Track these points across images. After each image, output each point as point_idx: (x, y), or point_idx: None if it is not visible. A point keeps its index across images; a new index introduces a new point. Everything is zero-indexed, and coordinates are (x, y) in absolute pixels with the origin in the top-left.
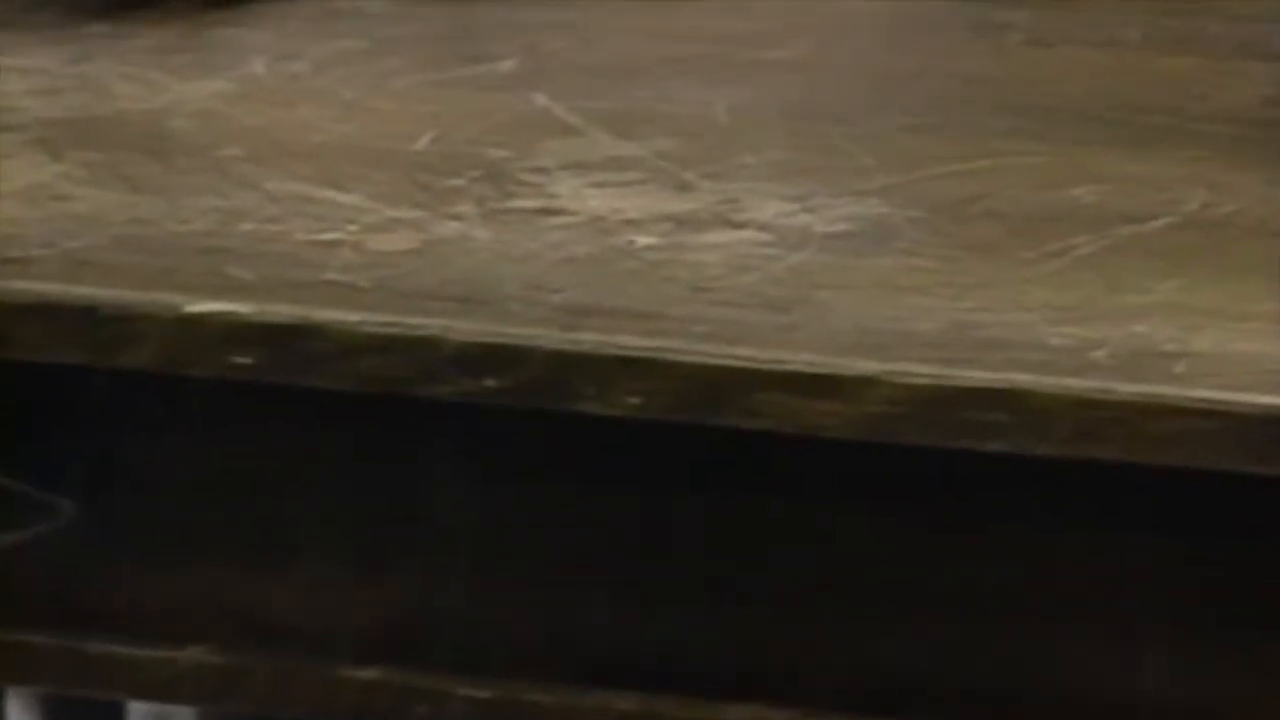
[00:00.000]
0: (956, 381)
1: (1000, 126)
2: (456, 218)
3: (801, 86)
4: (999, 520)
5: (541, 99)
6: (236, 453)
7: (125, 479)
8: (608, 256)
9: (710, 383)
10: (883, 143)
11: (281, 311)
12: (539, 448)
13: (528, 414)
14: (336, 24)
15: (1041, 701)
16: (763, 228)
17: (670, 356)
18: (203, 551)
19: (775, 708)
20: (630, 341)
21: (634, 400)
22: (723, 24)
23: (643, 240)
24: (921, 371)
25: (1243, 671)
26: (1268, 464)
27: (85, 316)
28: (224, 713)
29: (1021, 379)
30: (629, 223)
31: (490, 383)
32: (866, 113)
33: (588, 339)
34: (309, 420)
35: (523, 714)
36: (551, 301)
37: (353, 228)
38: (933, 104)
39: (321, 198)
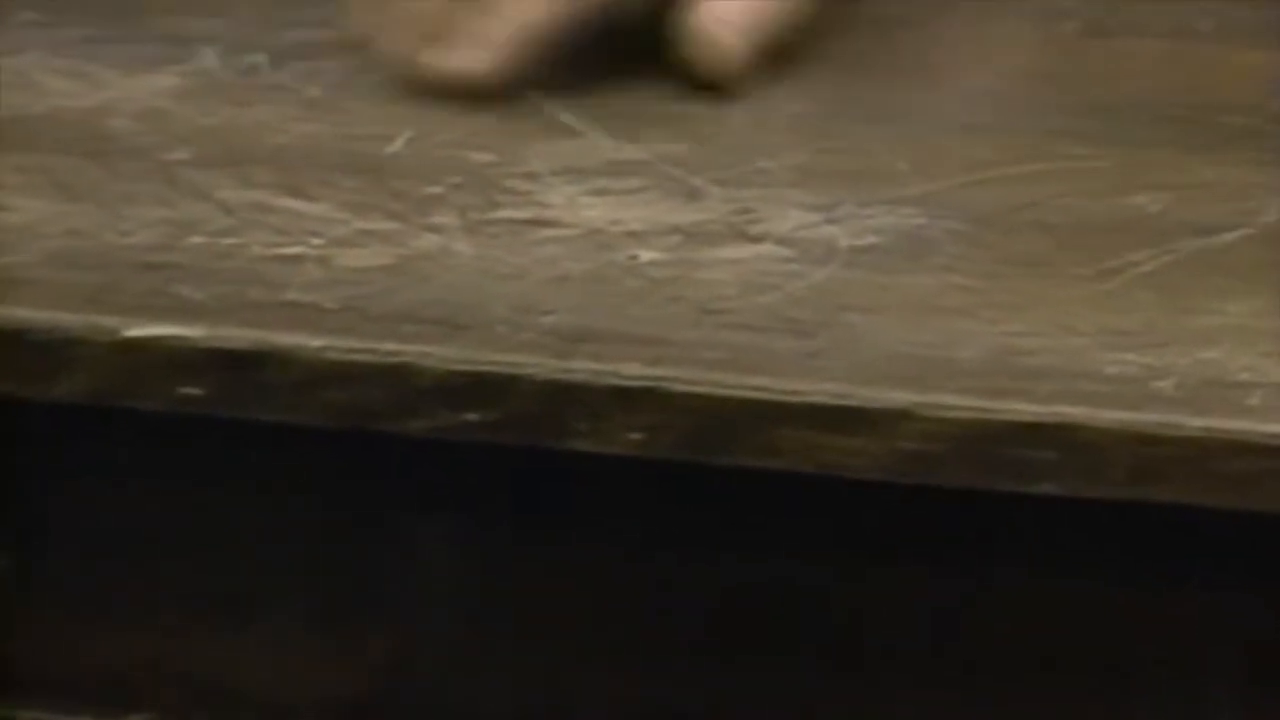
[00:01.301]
0: (1000, 415)
1: (1053, 126)
2: (435, 230)
3: (827, 81)
4: (1049, 571)
5: (532, 95)
6: (184, 497)
7: (60, 528)
8: (606, 274)
9: (721, 417)
10: (919, 145)
11: (236, 336)
12: (527, 491)
13: (515, 452)
14: (298, 11)
15: None
16: (782, 241)
17: (676, 387)
18: (148, 609)
19: None
20: (631, 370)
21: (635, 437)
22: None
23: (646, 255)
24: (961, 404)
25: None
26: None
27: (13, 341)
28: None
29: (1074, 412)
30: (631, 235)
31: (472, 417)
32: (901, 111)
33: (583, 367)
34: (267, 460)
35: None
36: (542, 325)
37: (318, 241)
38: (977, 101)
39: (282, 207)
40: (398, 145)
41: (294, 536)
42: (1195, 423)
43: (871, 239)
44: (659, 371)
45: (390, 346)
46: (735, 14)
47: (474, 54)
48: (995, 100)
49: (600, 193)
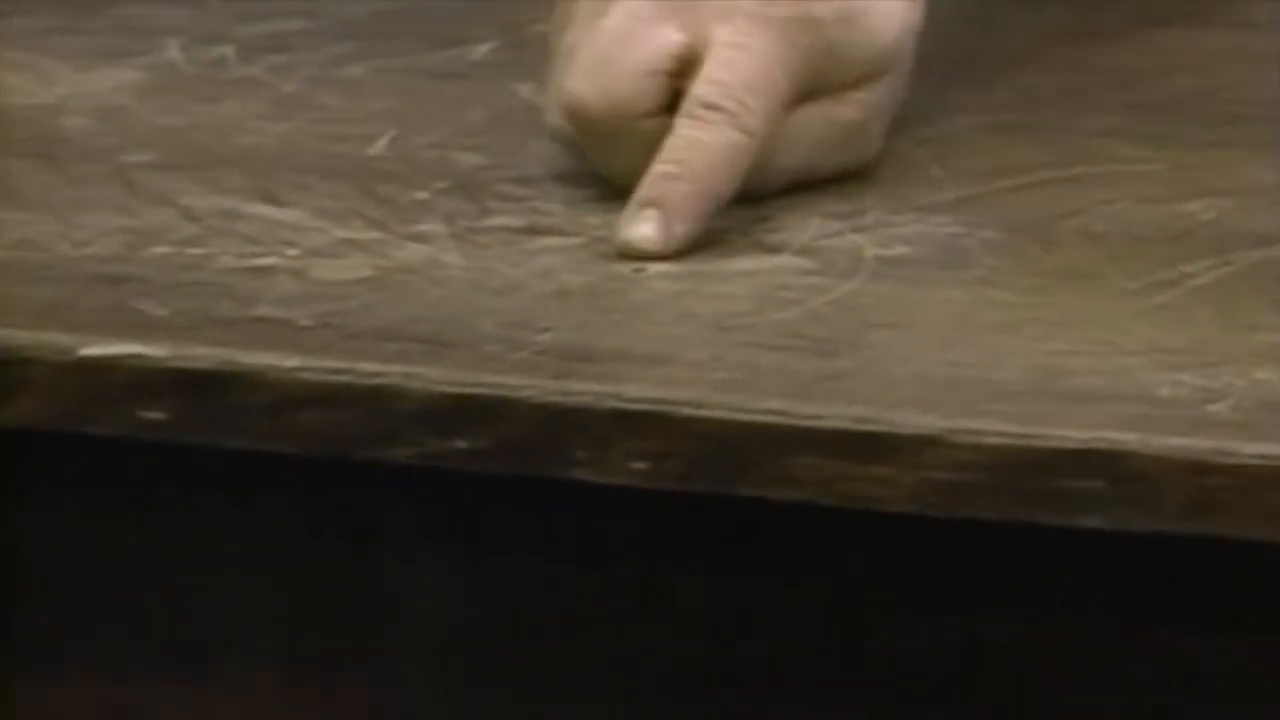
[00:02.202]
0: (1042, 442)
1: (1099, 126)
2: (421, 239)
3: None
4: (1094, 612)
5: (525, 91)
6: (145, 531)
7: (8, 564)
8: (608, 287)
9: (734, 444)
10: (954, 145)
11: (202, 355)
12: (520, 525)
13: (508, 483)
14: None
15: None
16: (802, 251)
17: (684, 411)
18: (105, 654)
19: None
20: (635, 393)
21: (639, 466)
22: None
23: (653, 267)
24: (998, 430)
25: None
26: None
27: None
28: None
29: (1123, 439)
30: None
31: (461, 444)
32: (934, 108)
33: (583, 390)
34: (235, 492)
35: None
36: (538, 343)
37: (292, 252)
38: (1017, 97)
39: (253, 214)
40: (380, 146)
41: (264, 575)
42: (1254, 449)
43: (900, 249)
44: (666, 394)
45: (371, 367)
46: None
47: (659, 228)
48: (1037, 97)
49: (602, 199)
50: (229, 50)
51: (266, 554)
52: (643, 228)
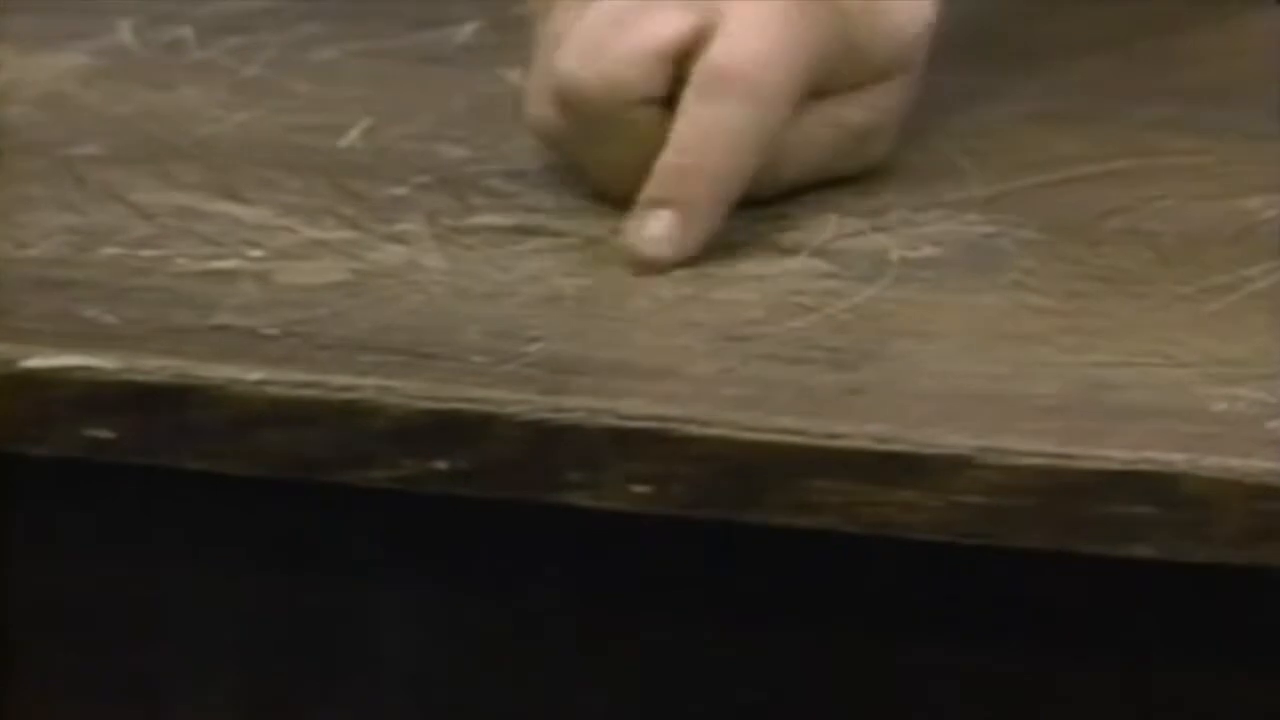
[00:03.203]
0: (1085, 463)
1: (1148, 114)
2: (399, 239)
3: None
4: (1144, 647)
5: (514, 77)
6: (93, 559)
7: None
8: (605, 292)
9: (745, 466)
10: (986, 137)
11: (156, 368)
12: (506, 555)
13: (493, 508)
14: None
15: None
16: (819, 253)
17: (689, 430)
18: (50, 692)
19: None
20: (635, 409)
21: (638, 490)
22: None
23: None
24: (1036, 450)
25: None
26: None
27: None
28: None
29: (1174, 459)
30: None
31: (442, 465)
32: (964, 96)
33: (577, 405)
34: (192, 516)
35: None
36: (527, 354)
37: (256, 253)
38: (1056, 83)
39: (213, 212)
40: (353, 137)
41: (223, 609)
42: None
43: (928, 250)
44: (668, 411)
45: (343, 381)
46: (664, 229)
47: (674, 230)
48: (1079, 83)
49: (597, 195)
50: (186, 31)
51: (226, 586)
52: (654, 229)
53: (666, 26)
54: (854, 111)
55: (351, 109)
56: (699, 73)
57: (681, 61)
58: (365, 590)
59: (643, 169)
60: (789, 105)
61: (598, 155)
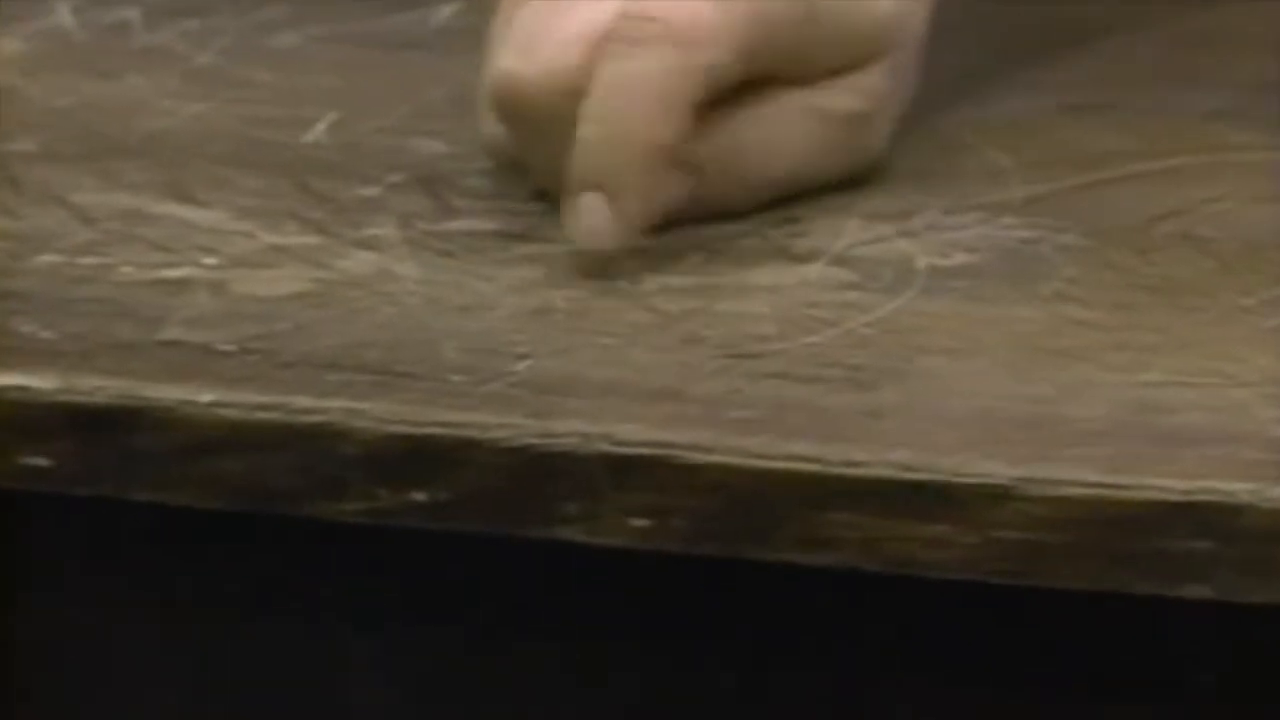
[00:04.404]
0: (1135, 493)
1: (1204, 106)
2: (369, 245)
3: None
4: (1199, 697)
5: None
6: (30, 597)
7: None
8: (598, 305)
9: (753, 497)
10: (1024, 131)
11: (98, 388)
12: (491, 595)
13: (475, 543)
14: None
15: None
16: (838, 261)
17: (693, 458)
18: None
19: None
20: (633, 434)
21: (637, 523)
22: None
23: (653, 280)
24: (1080, 479)
25: None
26: None
27: None
28: None
29: (1234, 488)
30: (634, 252)
31: (419, 497)
32: (999, 86)
33: (568, 430)
34: (139, 553)
35: None
36: (513, 373)
37: (210, 261)
38: (1100, 70)
39: (162, 215)
40: (319, 131)
41: (174, 655)
42: None
43: (959, 257)
44: (669, 436)
45: (307, 403)
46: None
47: (606, 215)
48: (1126, 72)
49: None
50: (132, 13)
51: (176, 631)
52: (585, 220)
53: (603, 12)
54: (836, 97)
55: (317, 100)
56: (610, 30)
57: None
58: (333, 636)
59: None
60: (725, 51)
61: (546, 159)
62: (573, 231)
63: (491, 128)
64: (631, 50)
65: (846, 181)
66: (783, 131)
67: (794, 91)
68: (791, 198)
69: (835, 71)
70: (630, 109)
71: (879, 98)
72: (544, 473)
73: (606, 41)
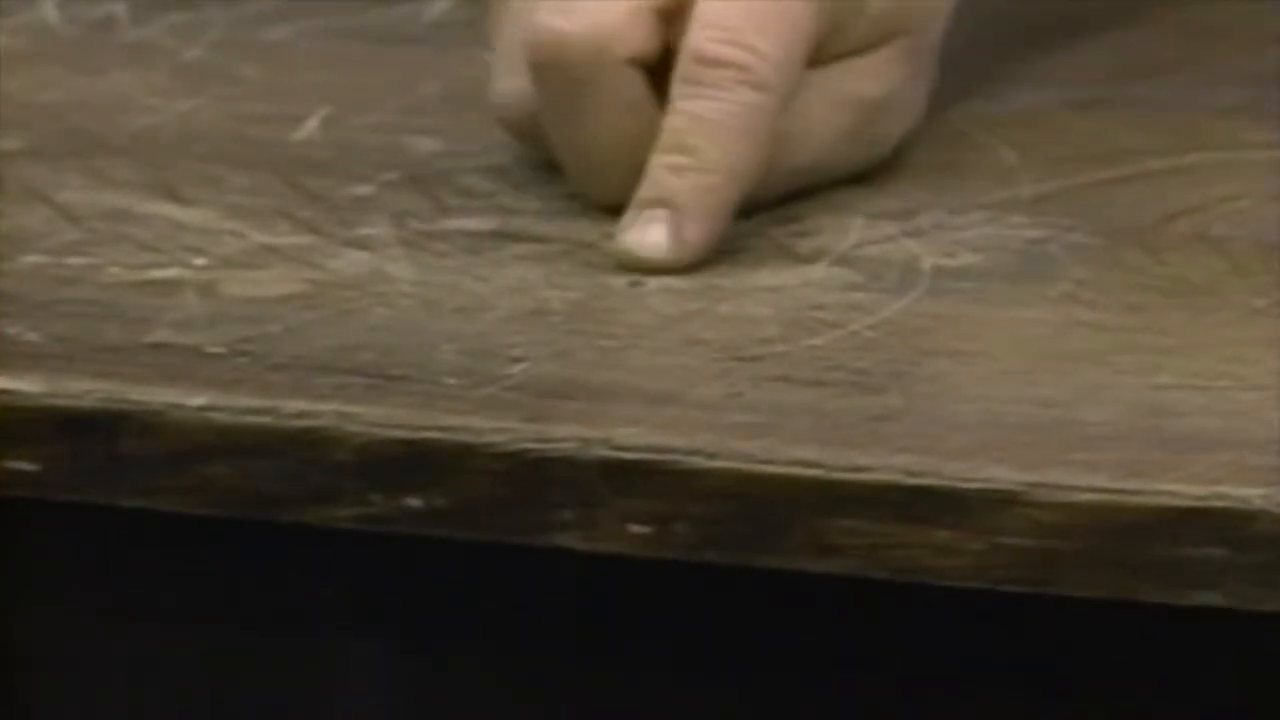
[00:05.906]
0: (1146, 499)
1: (1221, 102)
2: (362, 245)
3: None
4: (1210, 709)
5: (491, 57)
6: (16, 604)
7: None
8: (597, 306)
9: (756, 503)
10: (1033, 127)
11: (84, 391)
12: (486, 603)
13: (470, 550)
14: None
15: None
16: (842, 261)
17: (694, 463)
18: None
19: None
20: (632, 439)
21: (637, 530)
22: None
23: (654, 281)
24: (1091, 484)
25: None
26: None
27: None
28: None
29: (1247, 494)
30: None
31: (414, 503)
32: (1008, 80)
33: (566, 435)
34: (126, 560)
35: None
36: (510, 376)
37: (200, 261)
38: (1111, 64)
39: (150, 214)
40: (310, 128)
41: (163, 663)
42: None
43: (966, 257)
44: (670, 441)
45: (299, 406)
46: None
47: (671, 233)
48: (1134, 64)
49: (577, 187)
50: (119, 8)
51: (164, 639)
52: (651, 234)
53: None
54: (858, 82)
55: (308, 96)
56: (683, 58)
57: (669, 14)
58: (326, 645)
59: (625, 155)
60: (796, 77)
61: (575, 136)
62: (630, 241)
63: (504, 95)
64: (705, 90)
65: (851, 179)
66: (806, 115)
67: (815, 75)
68: (794, 197)
69: (851, 52)
70: (708, 143)
71: (897, 84)
72: (541, 479)
73: (676, 79)
